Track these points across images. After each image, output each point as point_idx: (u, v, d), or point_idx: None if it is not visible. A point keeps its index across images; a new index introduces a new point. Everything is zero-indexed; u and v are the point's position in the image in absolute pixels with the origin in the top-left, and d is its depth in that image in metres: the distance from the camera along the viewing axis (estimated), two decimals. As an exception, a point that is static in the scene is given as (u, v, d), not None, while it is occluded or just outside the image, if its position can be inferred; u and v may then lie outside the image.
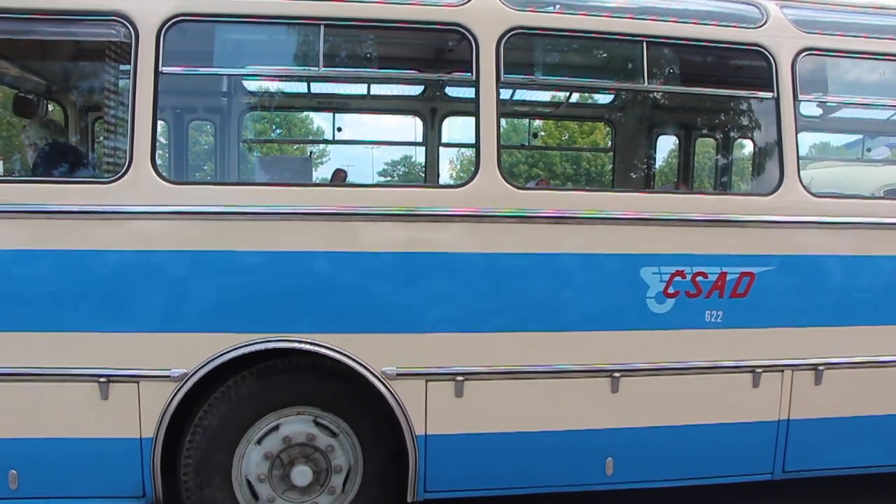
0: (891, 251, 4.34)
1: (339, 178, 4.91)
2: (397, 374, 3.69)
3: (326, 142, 8.74)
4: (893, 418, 4.40)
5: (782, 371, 4.11)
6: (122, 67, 3.82)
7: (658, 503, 4.39)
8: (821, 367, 4.17)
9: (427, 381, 3.73)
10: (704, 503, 4.64)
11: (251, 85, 6.08)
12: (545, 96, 5.97)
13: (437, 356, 3.72)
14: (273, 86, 5.69)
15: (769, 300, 4.06)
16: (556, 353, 3.79)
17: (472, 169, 3.73)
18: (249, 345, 3.58)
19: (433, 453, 3.79)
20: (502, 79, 3.75)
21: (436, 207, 3.69)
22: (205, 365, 3.56)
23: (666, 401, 3.97)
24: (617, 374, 3.85)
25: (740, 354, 4.03)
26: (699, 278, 3.91)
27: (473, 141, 3.77)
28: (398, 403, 3.71)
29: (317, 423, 3.80)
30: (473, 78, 3.73)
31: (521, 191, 3.77)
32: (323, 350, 3.64)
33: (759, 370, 4.06)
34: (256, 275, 3.60)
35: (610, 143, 6.57)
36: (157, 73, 3.50)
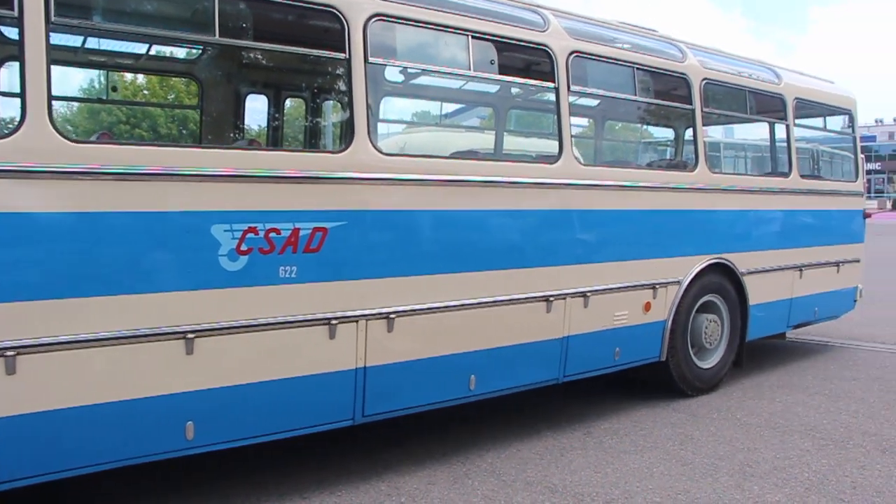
0: (450, 206, 4.76)
1: None
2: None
3: None
4: (465, 356, 4.87)
5: (357, 321, 4.31)
6: None
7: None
8: (392, 316, 4.45)
9: None
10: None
11: None
12: (122, 47, 5.57)
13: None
14: None
15: (342, 254, 4.22)
16: (122, 317, 3.54)
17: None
18: None
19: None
20: (52, 20, 3.37)
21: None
22: None
23: (244, 359, 3.94)
24: (191, 336, 3.72)
25: (316, 308, 4.14)
26: (272, 234, 3.92)
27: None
28: None
29: None
30: (16, 15, 3.31)
31: (76, 144, 3.43)
32: None
33: (334, 322, 4.20)
34: None
35: (197, 100, 6.33)
36: None
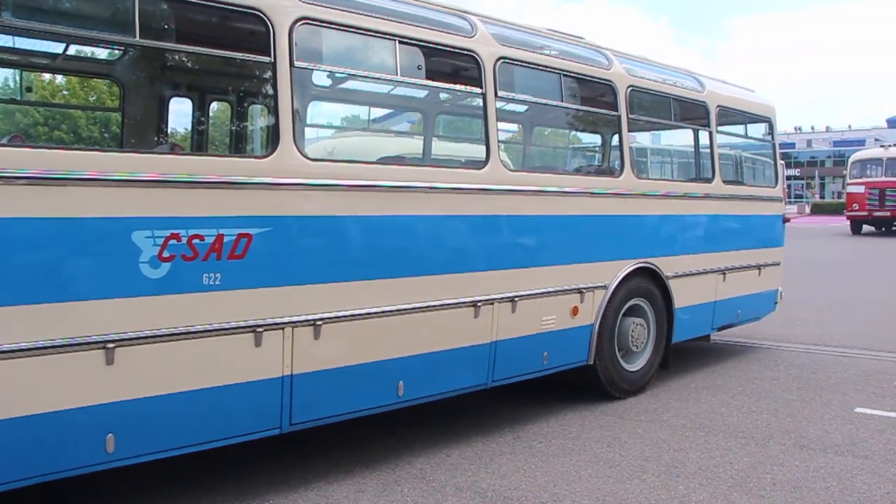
0: (377, 211, 4.73)
1: None
2: None
3: None
4: (392, 362, 4.83)
5: (283, 329, 4.24)
6: None
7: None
8: (319, 322, 4.40)
9: None
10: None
11: None
12: (38, 46, 5.36)
13: None
14: None
15: (267, 260, 4.14)
16: (39, 327, 3.40)
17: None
18: None
19: None
20: None
21: None
22: None
23: (167, 368, 3.83)
24: (111, 345, 3.60)
25: (241, 315, 4.05)
26: (195, 241, 3.83)
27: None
28: None
29: None
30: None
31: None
32: None
33: (260, 329, 4.13)
34: None
35: (119, 102, 6.16)
36: None
